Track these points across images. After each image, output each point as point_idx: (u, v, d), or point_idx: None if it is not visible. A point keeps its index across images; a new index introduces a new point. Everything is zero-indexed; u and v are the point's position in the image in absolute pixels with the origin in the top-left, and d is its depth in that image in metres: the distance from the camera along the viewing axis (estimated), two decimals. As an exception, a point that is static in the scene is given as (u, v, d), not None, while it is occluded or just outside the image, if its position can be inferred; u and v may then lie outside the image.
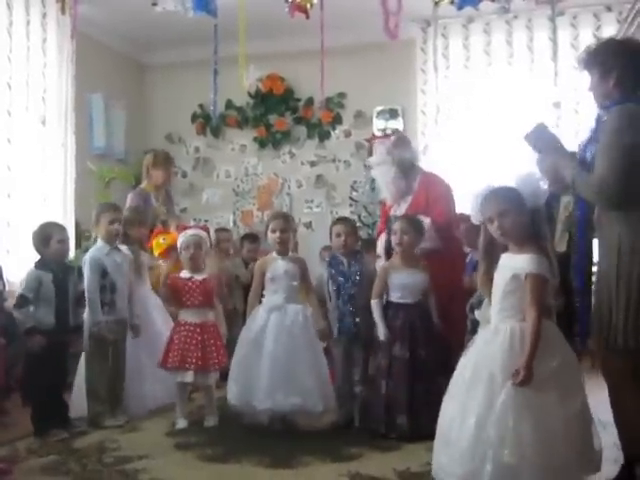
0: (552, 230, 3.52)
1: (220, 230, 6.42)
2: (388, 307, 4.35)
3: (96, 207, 4.86)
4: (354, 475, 3.52)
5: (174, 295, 4.56)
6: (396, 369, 4.23)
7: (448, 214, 4.84)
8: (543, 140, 3.26)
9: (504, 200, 2.99)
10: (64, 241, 4.40)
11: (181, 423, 4.45)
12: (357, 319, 4.40)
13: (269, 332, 4.30)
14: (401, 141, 5.02)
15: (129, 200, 5.75)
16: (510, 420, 2.76)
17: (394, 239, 4.38)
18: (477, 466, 2.78)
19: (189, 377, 4.41)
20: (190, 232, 4.69)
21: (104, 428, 4.39)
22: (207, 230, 4.89)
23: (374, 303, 4.32)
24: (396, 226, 4.38)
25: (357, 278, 4.42)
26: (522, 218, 2.98)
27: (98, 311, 4.49)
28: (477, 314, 3.62)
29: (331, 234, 4.56)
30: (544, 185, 3.04)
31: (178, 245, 4.66)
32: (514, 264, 2.95)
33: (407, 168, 4.89)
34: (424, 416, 4.02)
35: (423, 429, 4.03)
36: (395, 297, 4.35)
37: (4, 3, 5.79)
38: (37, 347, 4.16)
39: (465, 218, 4.74)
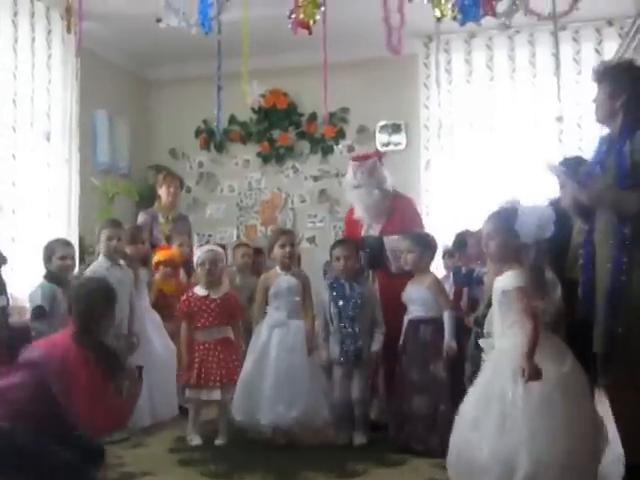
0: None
1: (240, 245, 6.33)
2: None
3: (100, 223, 4.90)
4: (359, 491, 3.53)
5: (187, 314, 4.54)
6: (395, 385, 4.34)
7: None
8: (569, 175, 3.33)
9: (495, 224, 3.19)
10: (65, 258, 4.44)
11: (195, 440, 4.44)
12: (359, 342, 4.39)
13: (272, 348, 4.33)
14: (381, 162, 5.03)
15: (138, 219, 6.02)
16: (525, 428, 2.86)
17: (402, 259, 4.43)
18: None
19: (216, 395, 4.40)
20: (206, 248, 4.71)
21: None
22: (224, 248, 4.93)
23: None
24: (402, 246, 4.43)
25: (359, 301, 4.42)
26: (507, 245, 3.13)
27: None
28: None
29: (331, 257, 4.56)
30: (551, 219, 3.10)
31: (194, 261, 4.67)
32: (500, 284, 3.11)
33: (386, 189, 4.92)
34: (407, 432, 4.16)
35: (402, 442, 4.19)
36: (409, 312, 4.39)
37: (9, 20, 5.82)
38: None
39: (471, 233, 4.81)
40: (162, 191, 6.17)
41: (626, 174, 3.14)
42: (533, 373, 2.89)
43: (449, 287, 5.24)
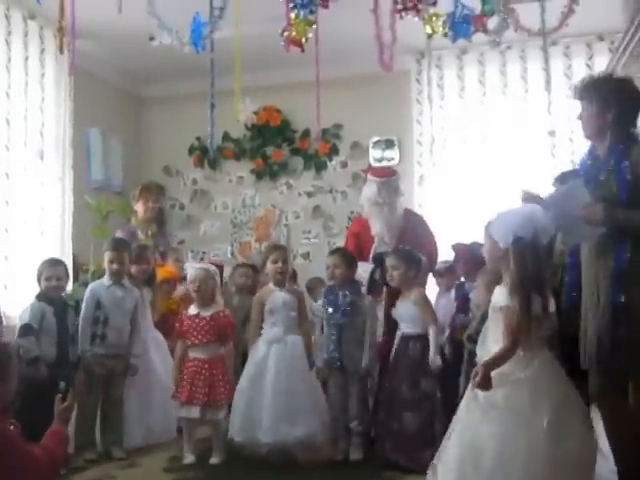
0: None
1: (240, 266, 6.15)
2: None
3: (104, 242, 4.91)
4: (355, 509, 3.51)
5: (180, 332, 4.55)
6: (383, 400, 4.34)
7: (436, 255, 4.98)
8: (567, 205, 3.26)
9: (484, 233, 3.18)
10: (51, 279, 4.46)
11: (188, 458, 4.42)
12: (343, 349, 4.39)
13: (270, 364, 4.30)
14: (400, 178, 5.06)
15: (115, 236, 5.64)
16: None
17: (388, 276, 4.45)
18: None
19: (194, 413, 4.37)
20: (197, 266, 4.70)
21: (92, 462, 4.38)
22: (220, 266, 4.89)
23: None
24: (387, 262, 4.44)
25: (347, 309, 4.42)
26: (492, 253, 3.12)
27: (86, 341, 4.52)
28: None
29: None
30: (533, 222, 3.06)
31: (187, 279, 4.66)
32: (492, 299, 3.09)
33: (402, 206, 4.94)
34: (395, 448, 4.14)
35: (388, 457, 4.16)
36: (399, 328, 4.40)
37: (3, 39, 5.84)
38: (39, 377, 4.16)
39: (462, 250, 4.81)
40: (139, 206, 5.94)
41: (628, 191, 3.12)
42: (483, 382, 2.87)
43: (447, 303, 5.24)
